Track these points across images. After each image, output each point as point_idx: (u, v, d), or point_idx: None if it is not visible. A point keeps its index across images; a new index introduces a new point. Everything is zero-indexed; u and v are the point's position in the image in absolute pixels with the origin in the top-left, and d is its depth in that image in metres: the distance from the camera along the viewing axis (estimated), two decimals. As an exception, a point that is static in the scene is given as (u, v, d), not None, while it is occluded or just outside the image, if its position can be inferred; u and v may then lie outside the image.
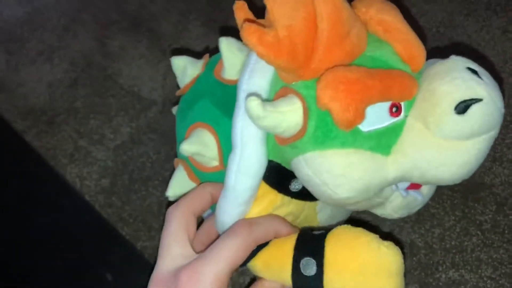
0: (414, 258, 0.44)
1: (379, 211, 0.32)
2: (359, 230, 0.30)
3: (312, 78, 0.27)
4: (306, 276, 0.29)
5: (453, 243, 0.44)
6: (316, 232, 0.31)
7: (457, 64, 0.28)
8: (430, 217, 0.46)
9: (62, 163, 0.53)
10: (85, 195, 0.51)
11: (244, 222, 0.30)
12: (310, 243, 0.30)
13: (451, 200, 0.47)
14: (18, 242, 0.49)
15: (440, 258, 0.44)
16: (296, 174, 0.29)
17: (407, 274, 0.43)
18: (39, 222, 0.50)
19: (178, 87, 0.38)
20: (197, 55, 0.38)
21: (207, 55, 0.37)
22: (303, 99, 0.27)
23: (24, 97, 0.59)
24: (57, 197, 0.51)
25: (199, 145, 0.32)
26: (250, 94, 0.29)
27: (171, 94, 0.57)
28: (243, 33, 0.25)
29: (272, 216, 0.32)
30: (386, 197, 0.30)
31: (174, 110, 0.39)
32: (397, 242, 0.38)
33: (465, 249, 0.44)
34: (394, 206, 0.31)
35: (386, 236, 0.32)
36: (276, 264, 0.31)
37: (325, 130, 0.27)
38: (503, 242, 0.44)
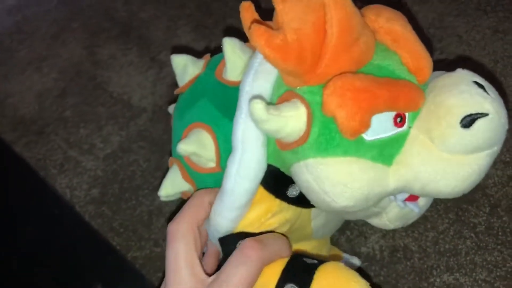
0: (408, 263, 0.44)
1: (374, 221, 0.32)
2: (351, 274, 0.29)
3: (318, 84, 0.26)
4: None
5: (447, 246, 0.44)
6: (308, 260, 0.31)
7: (464, 77, 0.27)
8: (424, 220, 0.45)
9: (51, 174, 0.53)
10: (75, 205, 0.50)
11: (255, 244, 0.28)
12: (300, 271, 0.29)
13: (444, 202, 0.46)
14: (8, 253, 0.49)
15: (435, 262, 0.43)
16: (295, 179, 0.29)
17: (401, 279, 0.43)
18: (29, 233, 0.49)
19: (176, 86, 0.37)
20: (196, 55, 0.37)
21: (208, 55, 0.36)
22: (307, 105, 0.26)
23: (14, 108, 0.59)
24: (47, 208, 0.51)
25: (196, 145, 0.31)
26: (254, 97, 0.28)
27: (161, 101, 0.57)
28: (251, 35, 0.25)
29: (279, 237, 0.31)
30: (384, 207, 0.30)
31: (171, 109, 0.38)
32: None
33: (459, 252, 0.44)
34: (391, 217, 0.31)
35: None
36: (260, 283, 0.30)
37: (328, 137, 0.26)
38: (497, 244, 0.43)
